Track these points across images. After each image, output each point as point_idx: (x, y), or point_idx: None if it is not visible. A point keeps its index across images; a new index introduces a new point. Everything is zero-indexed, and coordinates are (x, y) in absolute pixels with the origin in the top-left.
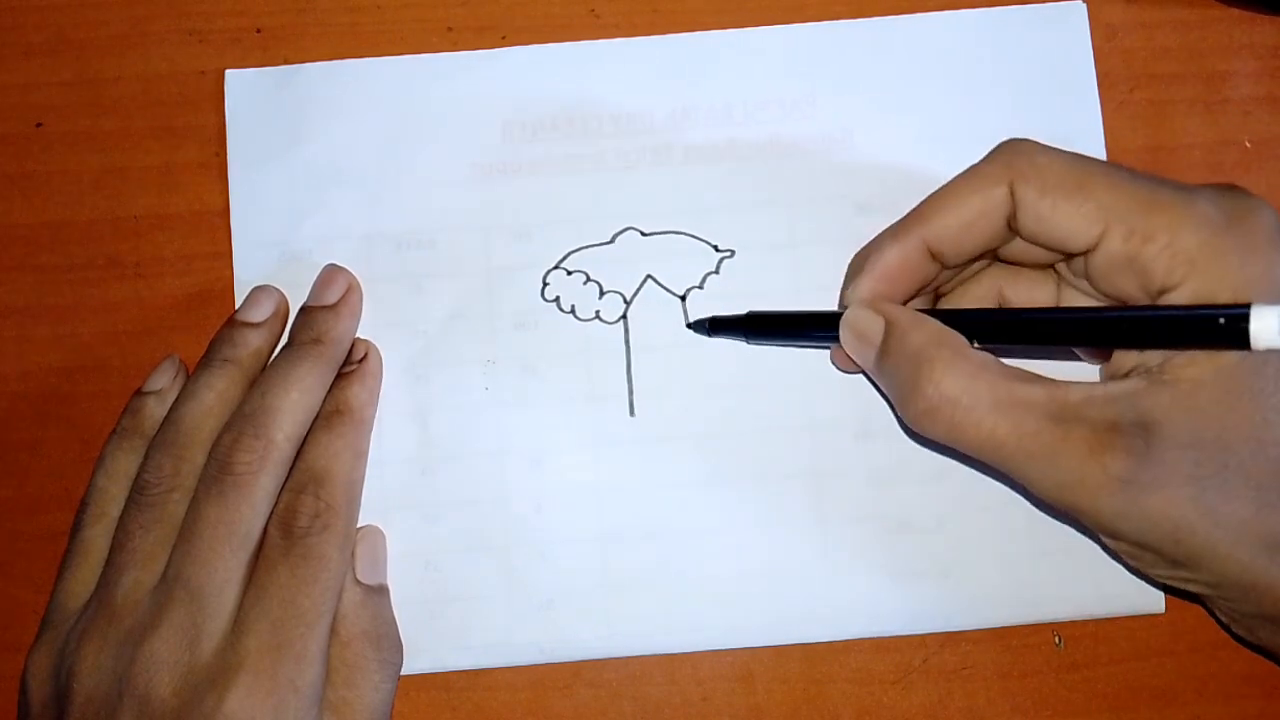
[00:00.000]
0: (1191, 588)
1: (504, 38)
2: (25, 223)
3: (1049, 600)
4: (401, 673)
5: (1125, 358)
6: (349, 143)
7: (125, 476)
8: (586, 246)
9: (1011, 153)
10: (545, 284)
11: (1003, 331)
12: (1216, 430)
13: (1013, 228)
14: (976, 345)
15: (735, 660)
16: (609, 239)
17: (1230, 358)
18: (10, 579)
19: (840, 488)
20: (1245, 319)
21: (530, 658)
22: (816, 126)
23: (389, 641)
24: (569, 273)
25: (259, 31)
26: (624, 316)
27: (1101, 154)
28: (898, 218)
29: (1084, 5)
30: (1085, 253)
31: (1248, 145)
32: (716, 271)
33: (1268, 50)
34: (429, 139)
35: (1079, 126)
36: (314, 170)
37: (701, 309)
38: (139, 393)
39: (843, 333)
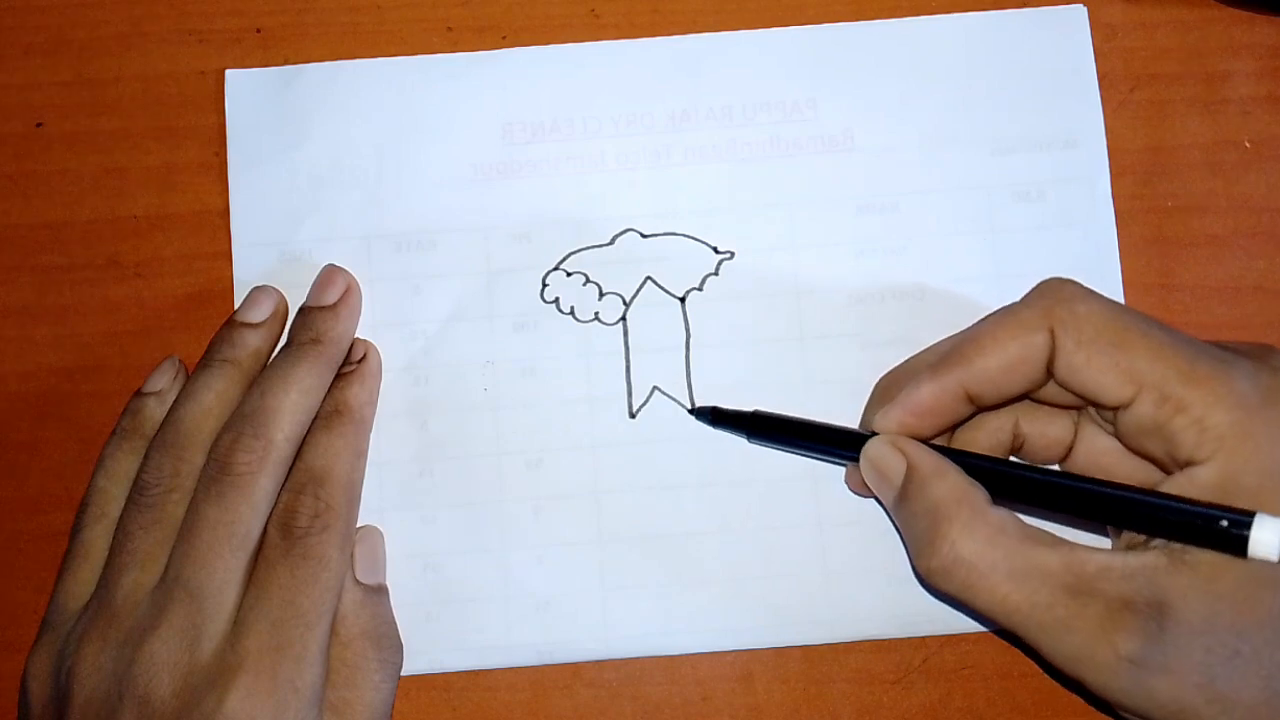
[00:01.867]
0: None
1: (504, 38)
2: (25, 223)
3: None
4: (401, 673)
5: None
6: (349, 143)
7: (125, 477)
8: (586, 248)
9: (1052, 298)
10: (545, 285)
11: (1014, 488)
12: (1232, 617)
13: (1050, 372)
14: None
15: (735, 660)
16: (608, 240)
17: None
18: (10, 579)
19: (840, 489)
20: (1247, 525)
21: (529, 658)
22: (817, 128)
23: (389, 641)
24: (568, 274)
25: (259, 31)
26: (623, 318)
27: (1104, 158)
28: (898, 221)
29: (1084, 8)
30: (1115, 408)
31: (1247, 145)
32: (716, 273)
33: (1268, 50)
34: (429, 140)
35: (1080, 129)
36: (314, 171)
37: (701, 309)
38: (139, 393)
39: (863, 465)
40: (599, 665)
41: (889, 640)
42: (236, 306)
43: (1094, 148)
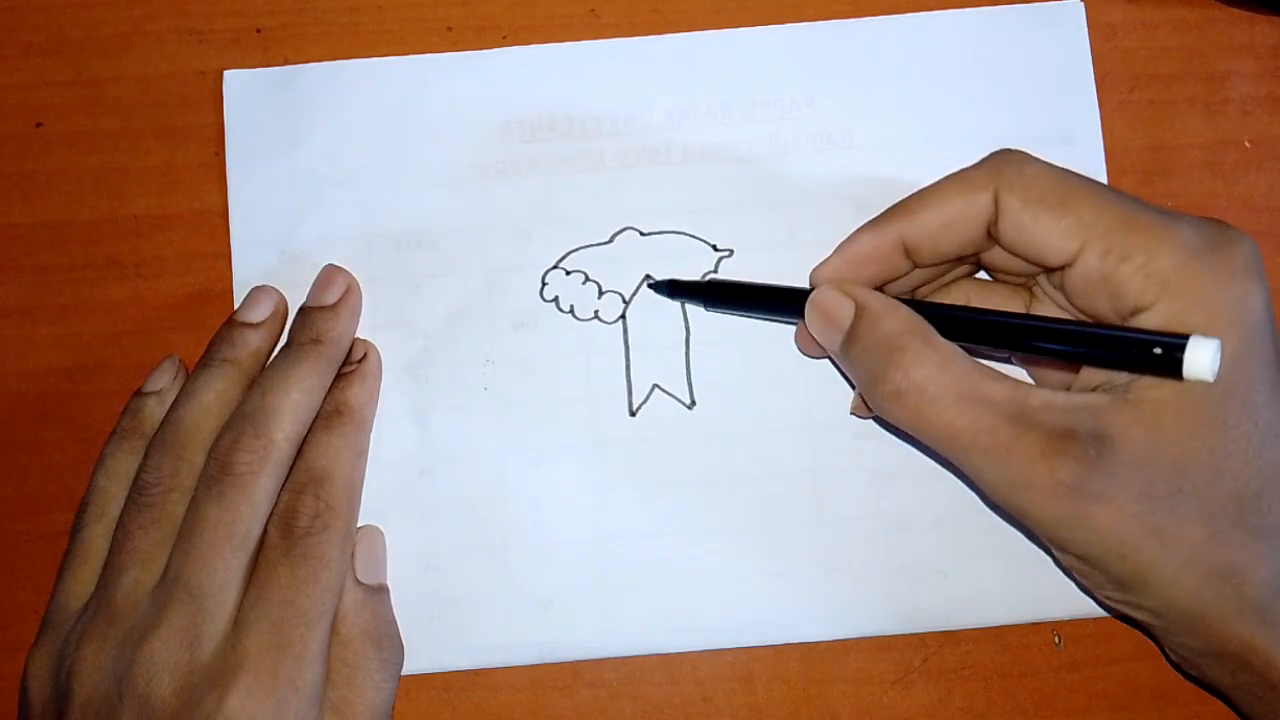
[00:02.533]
0: (1139, 615)
1: (504, 38)
2: (25, 223)
3: (1048, 599)
4: (401, 672)
5: (1093, 373)
6: (348, 143)
7: (125, 477)
8: (585, 246)
9: (1001, 161)
10: (544, 284)
11: (952, 328)
12: (1175, 454)
13: (993, 235)
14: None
15: (735, 660)
16: (608, 239)
17: (1198, 385)
18: (10, 579)
19: (839, 487)
20: (1181, 349)
21: (529, 658)
22: (815, 126)
23: (390, 641)
24: (568, 272)
25: (259, 31)
26: (623, 316)
27: (1100, 153)
28: None
29: (1082, 4)
30: (1062, 268)
31: (1247, 145)
32: (715, 271)
33: (1268, 50)
34: (428, 139)
35: (1077, 125)
36: (313, 170)
37: (701, 309)
38: (139, 393)
39: (808, 312)
40: (599, 665)
41: (889, 640)
42: (236, 306)
43: (1091, 144)
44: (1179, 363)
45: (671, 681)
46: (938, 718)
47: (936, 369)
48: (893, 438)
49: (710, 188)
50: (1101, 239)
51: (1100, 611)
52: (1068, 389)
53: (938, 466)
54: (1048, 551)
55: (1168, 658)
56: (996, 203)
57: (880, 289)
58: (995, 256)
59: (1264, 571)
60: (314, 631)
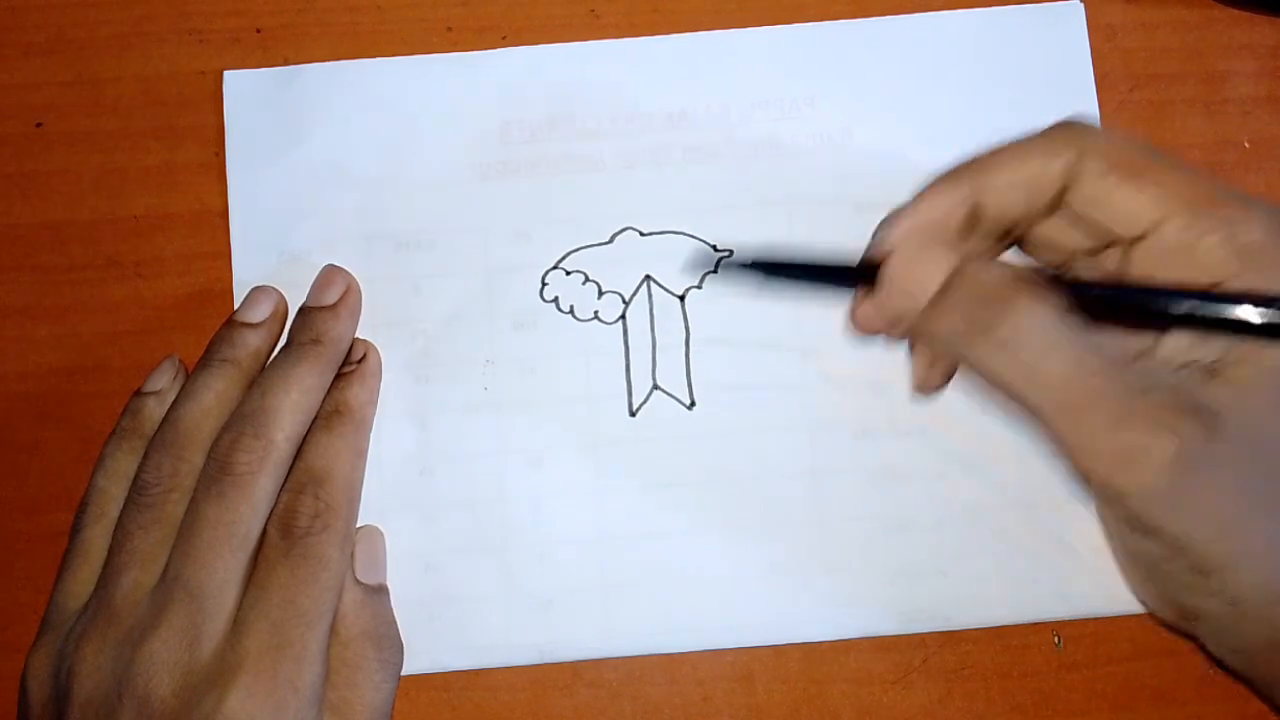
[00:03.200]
0: (1208, 604)
1: (504, 38)
2: (25, 223)
3: (1048, 599)
4: (401, 673)
5: (1176, 354)
6: (348, 143)
7: (125, 477)
8: (585, 246)
9: (1079, 129)
10: (544, 284)
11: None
12: (1273, 430)
13: (1058, 204)
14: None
15: (735, 660)
16: (608, 239)
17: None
18: (10, 579)
19: (839, 487)
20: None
21: (529, 658)
22: (815, 126)
23: (389, 641)
24: (568, 273)
25: (259, 31)
26: (623, 316)
27: None
28: None
29: (1082, 5)
30: (1132, 240)
31: (1247, 145)
32: (715, 271)
33: (1268, 50)
34: (428, 139)
35: None
36: (313, 171)
37: (701, 309)
38: (138, 393)
39: (888, 282)
40: (599, 665)
41: (889, 640)
42: (236, 306)
43: None
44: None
45: (671, 681)
46: (938, 718)
47: (1056, 318)
48: (893, 438)
49: (710, 188)
50: (1185, 210)
51: (1100, 612)
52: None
53: (938, 467)
54: (1115, 545)
55: (1209, 655)
56: (1072, 168)
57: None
58: (1045, 231)
59: None
60: (313, 632)
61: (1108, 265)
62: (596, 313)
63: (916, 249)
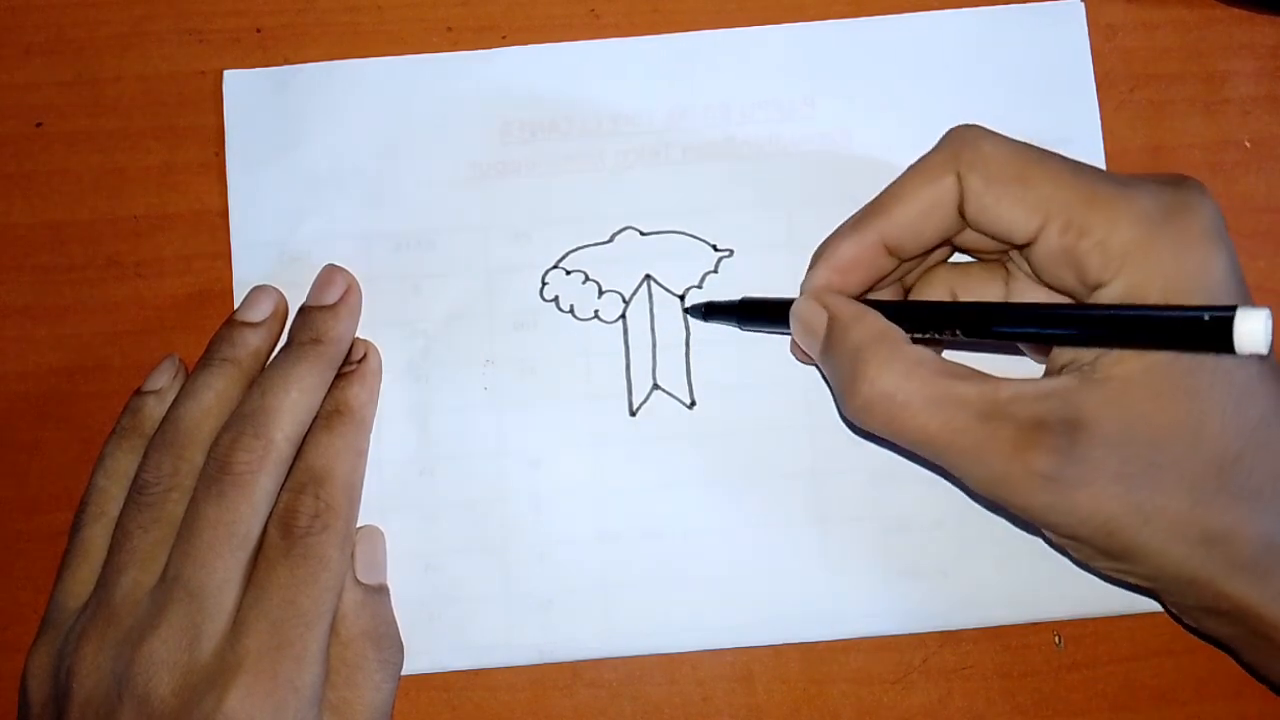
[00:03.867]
0: (1133, 580)
1: (504, 38)
2: (25, 223)
3: (1048, 599)
4: (401, 673)
5: (1061, 354)
6: (348, 143)
7: (125, 476)
8: (585, 246)
9: (959, 141)
10: (544, 284)
11: (943, 322)
12: (1148, 428)
13: (963, 216)
14: (915, 338)
15: (735, 660)
16: (608, 238)
17: (1162, 356)
18: (10, 579)
19: (839, 487)
20: (1229, 322)
21: (529, 658)
22: (815, 126)
23: (389, 641)
24: (568, 272)
25: (259, 31)
26: (623, 316)
27: (1100, 153)
28: None
29: (1082, 4)
30: (1026, 245)
31: (1248, 145)
32: (715, 271)
33: (1268, 50)
34: (428, 139)
35: (1077, 125)
36: (313, 170)
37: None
38: (138, 392)
39: (792, 324)
40: (599, 665)
41: (889, 640)
42: (236, 306)
43: (1090, 144)
44: (1228, 334)
45: (671, 681)
46: (938, 718)
47: (903, 376)
48: None
49: (710, 188)
50: (1061, 215)
51: (1100, 612)
52: (1060, 371)
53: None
54: (1046, 540)
55: (1168, 610)
56: (960, 184)
57: (868, 290)
58: (967, 237)
59: (1251, 531)
60: (313, 631)
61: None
62: (596, 312)
63: (811, 294)
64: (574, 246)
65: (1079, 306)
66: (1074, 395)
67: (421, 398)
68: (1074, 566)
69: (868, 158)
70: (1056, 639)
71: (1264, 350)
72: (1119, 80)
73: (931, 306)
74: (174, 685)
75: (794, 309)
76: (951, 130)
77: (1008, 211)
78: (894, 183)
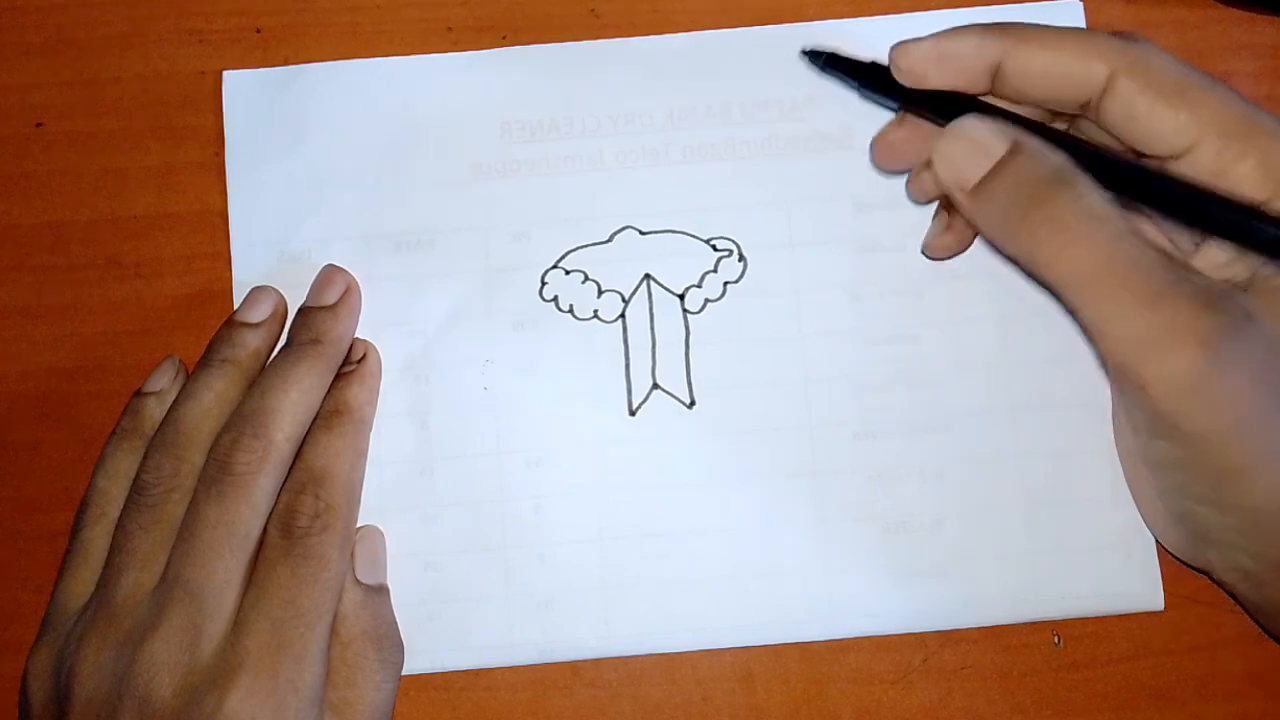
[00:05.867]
0: (1223, 517)
1: (504, 38)
2: (25, 223)
3: (1048, 598)
4: (402, 673)
5: (1210, 269)
6: (348, 143)
7: (125, 477)
8: (585, 245)
9: (1127, 43)
10: (544, 283)
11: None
12: None
13: (1088, 111)
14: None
15: (735, 660)
16: (607, 238)
17: None
18: (10, 579)
19: (839, 487)
20: None
21: (529, 658)
22: (815, 126)
23: (390, 641)
24: (567, 272)
25: (259, 31)
26: (622, 315)
27: None
28: (897, 218)
29: (1080, 3)
30: (1167, 157)
31: None
32: (715, 270)
33: (1268, 50)
34: (428, 139)
35: None
36: (313, 171)
37: (699, 308)
38: (139, 393)
39: (951, 138)
40: (599, 665)
41: (889, 640)
42: (236, 306)
43: None
44: None
45: (671, 681)
46: (938, 718)
47: (1101, 201)
48: (893, 438)
49: (710, 187)
50: (1219, 136)
51: (1100, 611)
52: None
53: (938, 466)
54: (1128, 475)
55: (1217, 582)
56: (1111, 80)
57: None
58: (1077, 127)
59: None
60: (314, 632)
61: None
62: (596, 312)
63: (986, 119)
64: (573, 246)
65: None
66: (1241, 297)
67: (421, 398)
68: (1073, 565)
69: (868, 158)
70: (1056, 639)
71: None
72: None
73: (1139, 171)
74: (175, 686)
75: (962, 125)
76: (1118, 33)
77: (1160, 124)
78: (1044, 27)
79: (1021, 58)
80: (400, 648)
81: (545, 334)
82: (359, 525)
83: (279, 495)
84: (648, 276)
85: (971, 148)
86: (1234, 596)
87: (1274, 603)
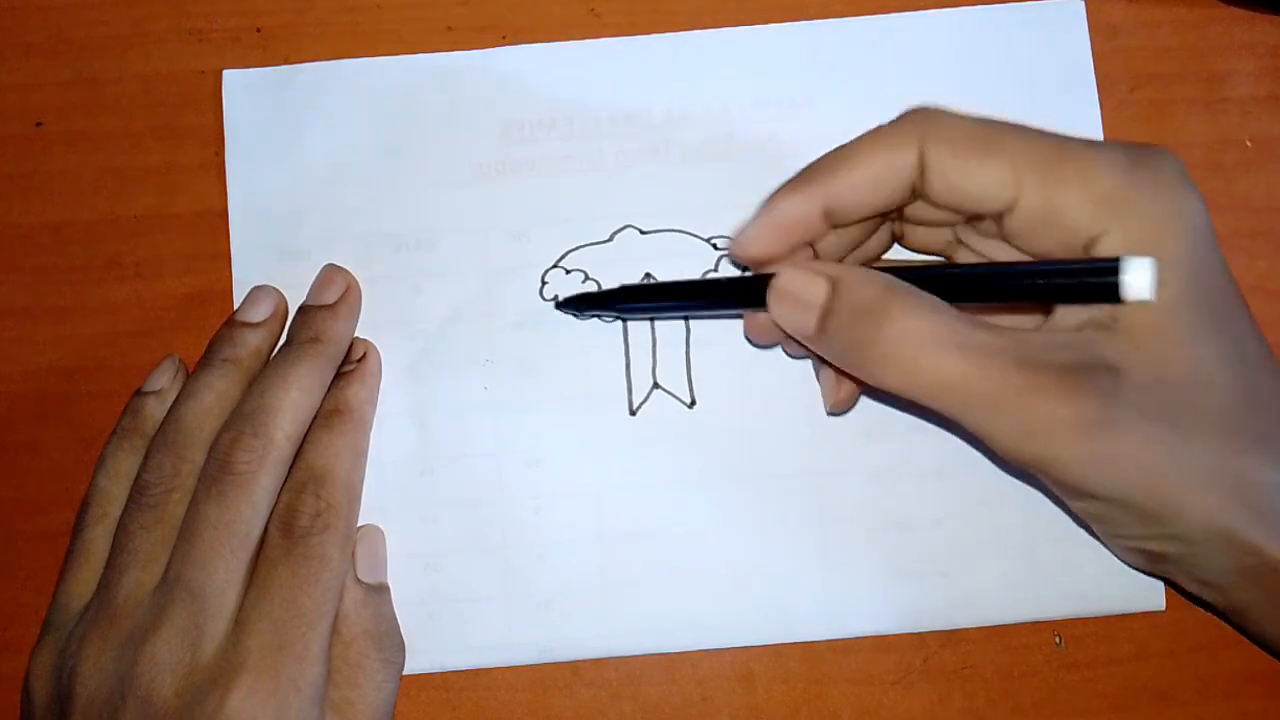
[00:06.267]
0: (1166, 547)
1: (504, 37)
2: (25, 223)
3: (1048, 598)
4: (403, 672)
5: (1070, 314)
6: (348, 143)
7: (126, 476)
8: (585, 245)
9: (920, 115)
10: (544, 283)
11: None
12: (1175, 372)
13: (917, 192)
14: None
15: (735, 660)
16: (607, 238)
17: (1180, 300)
18: (10, 579)
19: (840, 487)
20: (1116, 272)
21: (529, 657)
22: (815, 125)
23: (391, 640)
24: (568, 272)
25: (258, 31)
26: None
27: None
28: None
29: (1082, 2)
30: (1001, 214)
31: (1248, 145)
32: (715, 269)
33: (1268, 50)
34: (428, 139)
35: (1078, 124)
36: (313, 170)
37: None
38: (139, 393)
39: (773, 299)
40: (599, 664)
41: (889, 640)
42: (236, 306)
43: None
44: (1115, 287)
45: (671, 681)
46: (938, 718)
47: (930, 320)
48: (893, 438)
49: (710, 187)
50: (1037, 173)
51: (1101, 611)
52: (1077, 329)
53: (938, 466)
54: (1070, 515)
55: (1180, 590)
56: (922, 159)
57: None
58: (916, 210)
59: (1273, 478)
60: (315, 631)
61: (989, 232)
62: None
63: (799, 266)
64: (574, 246)
65: (1010, 266)
66: (1102, 345)
67: (421, 398)
68: (1074, 565)
69: None
70: (1057, 639)
71: (1149, 296)
72: (1119, 80)
73: (935, 271)
74: (176, 686)
75: (779, 282)
76: (911, 108)
77: (979, 181)
78: (845, 146)
79: (843, 187)
80: (401, 647)
81: (545, 334)
82: (359, 525)
83: (279, 495)
84: (648, 276)
85: (795, 301)
86: (1199, 603)
87: (1243, 606)
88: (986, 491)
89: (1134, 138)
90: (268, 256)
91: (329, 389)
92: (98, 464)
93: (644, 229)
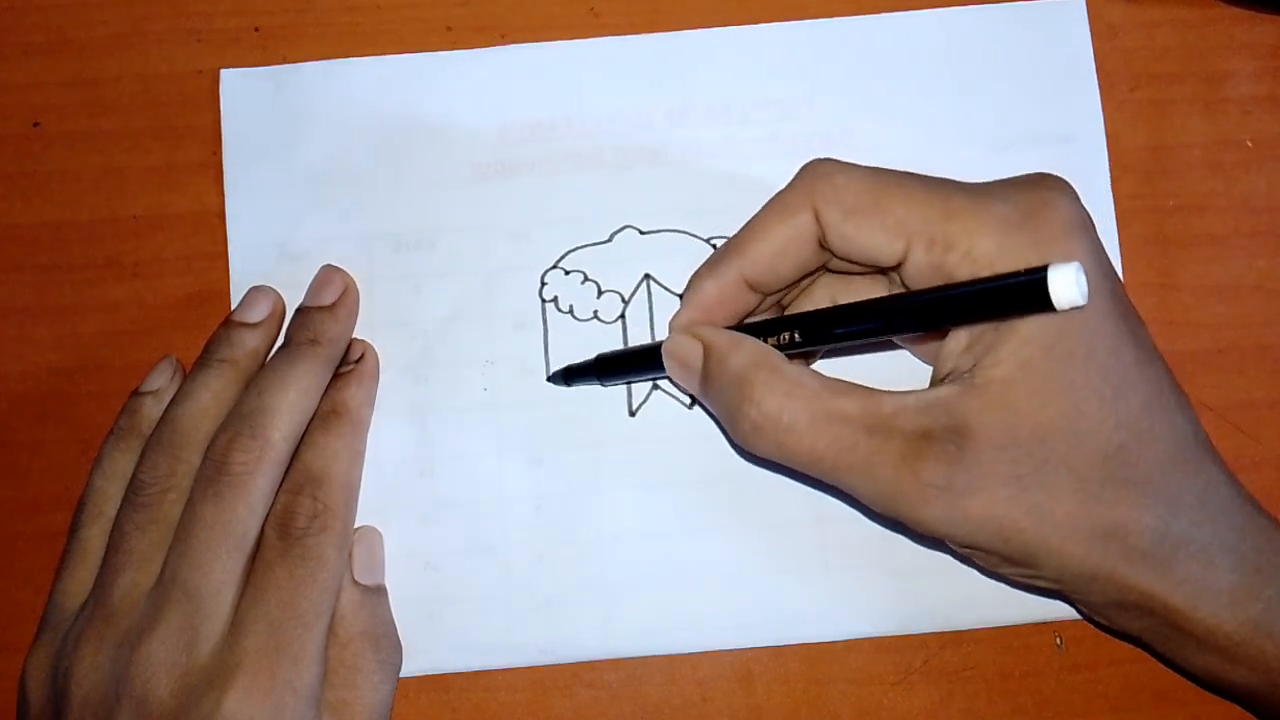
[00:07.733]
0: (1040, 584)
1: (503, 37)
2: (25, 223)
3: (1049, 600)
4: (400, 674)
5: (943, 364)
6: (346, 142)
7: (122, 476)
8: (584, 246)
9: (812, 176)
10: (543, 284)
11: (814, 331)
12: (1031, 427)
13: (825, 247)
14: (791, 355)
15: (735, 660)
16: (607, 238)
17: (1036, 353)
18: (9, 579)
19: None
20: (1044, 280)
21: (529, 658)
22: (814, 125)
23: (388, 642)
24: (567, 272)
25: (257, 31)
26: (622, 315)
27: (1103, 152)
28: None
29: (1083, 2)
30: (896, 266)
31: (1249, 145)
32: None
33: (1268, 50)
34: (427, 139)
35: (1079, 124)
36: (311, 170)
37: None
38: (136, 392)
39: (666, 362)
40: (599, 665)
41: (889, 640)
42: (234, 306)
43: (1092, 142)
44: (1045, 292)
45: (671, 682)
46: (938, 718)
47: (786, 396)
48: None
49: (709, 187)
50: (922, 234)
51: None
52: (943, 381)
53: None
54: (950, 553)
55: (1081, 613)
56: (818, 219)
57: (742, 321)
58: (838, 263)
59: (1145, 521)
60: (311, 632)
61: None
62: (596, 312)
63: (682, 329)
64: (573, 246)
65: (908, 295)
66: (956, 403)
67: (421, 398)
68: None
69: (867, 157)
70: (1057, 640)
71: (1080, 302)
72: (1120, 80)
73: (773, 322)
74: (172, 686)
75: (666, 346)
76: (804, 166)
77: (869, 239)
78: (752, 219)
79: (754, 260)
80: (398, 648)
81: (545, 334)
82: (357, 526)
83: (276, 496)
84: (648, 276)
85: (680, 363)
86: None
87: (1139, 633)
88: None
89: (1134, 138)
90: (266, 256)
91: (327, 390)
92: (94, 464)
93: (643, 229)
